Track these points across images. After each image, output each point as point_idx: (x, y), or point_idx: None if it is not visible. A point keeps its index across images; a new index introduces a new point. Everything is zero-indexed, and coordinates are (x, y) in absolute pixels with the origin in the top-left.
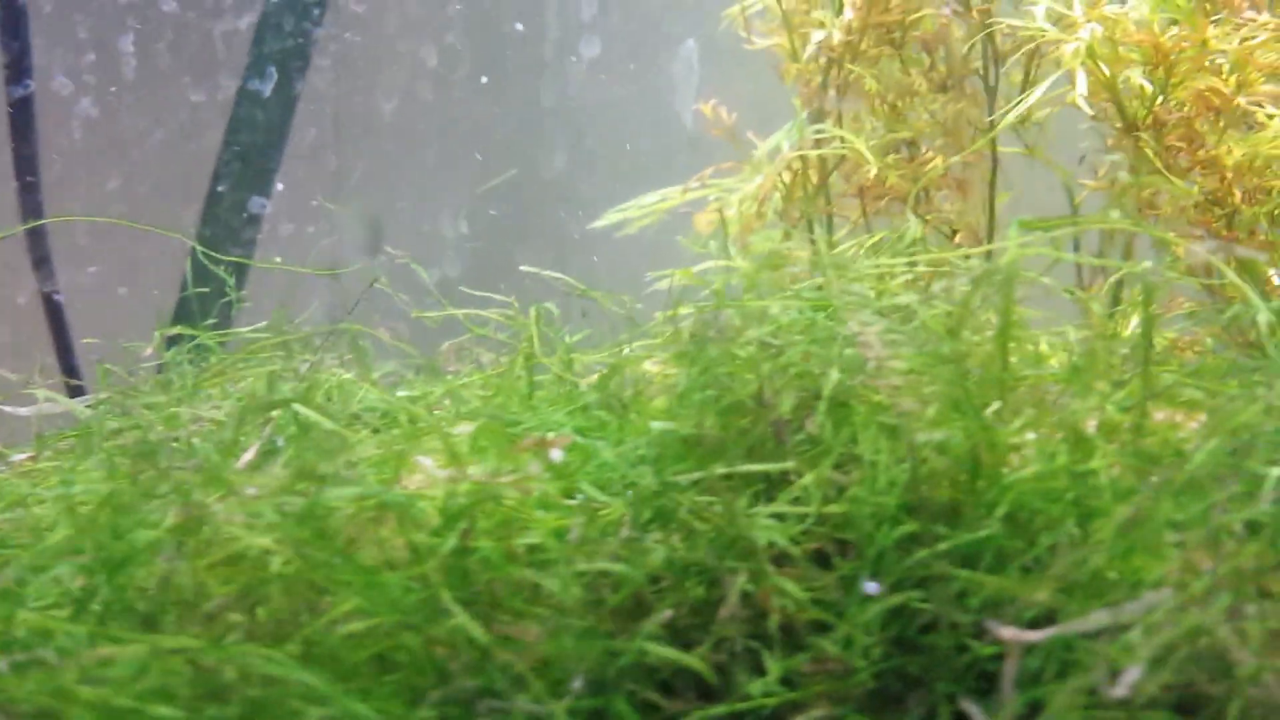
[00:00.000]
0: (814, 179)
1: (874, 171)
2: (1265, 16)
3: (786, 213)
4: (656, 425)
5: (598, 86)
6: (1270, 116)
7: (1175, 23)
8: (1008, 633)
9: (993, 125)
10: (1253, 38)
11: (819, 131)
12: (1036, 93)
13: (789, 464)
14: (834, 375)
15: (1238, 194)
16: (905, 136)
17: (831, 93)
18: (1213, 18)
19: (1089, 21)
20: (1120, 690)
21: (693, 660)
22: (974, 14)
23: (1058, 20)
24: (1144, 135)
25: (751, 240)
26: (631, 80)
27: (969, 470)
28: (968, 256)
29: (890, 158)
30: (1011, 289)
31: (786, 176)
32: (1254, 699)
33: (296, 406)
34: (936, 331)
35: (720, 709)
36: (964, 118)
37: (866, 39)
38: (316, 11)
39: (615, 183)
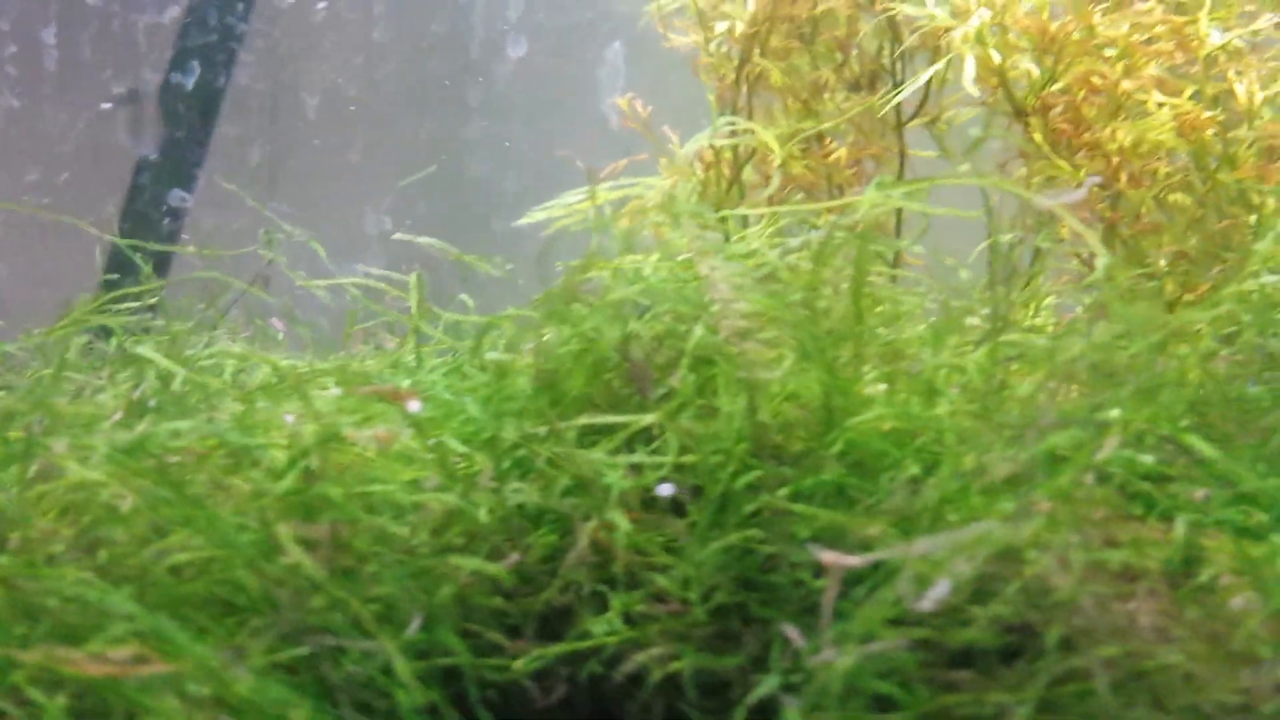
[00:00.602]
0: (727, 173)
1: (778, 163)
2: (1152, 4)
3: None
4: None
5: (524, 86)
6: (1160, 104)
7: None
8: (827, 557)
9: (900, 120)
10: (1141, 25)
11: (730, 125)
12: (921, 79)
13: (648, 416)
14: (698, 331)
15: (1124, 177)
16: (812, 130)
17: (744, 88)
18: (1101, 6)
19: (979, 8)
20: (926, 604)
21: (496, 569)
22: (876, 7)
23: (953, 9)
24: (1032, 120)
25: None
26: (558, 80)
27: (821, 418)
28: (829, 210)
29: (798, 151)
30: (866, 245)
31: (701, 171)
32: (1075, 627)
33: (158, 359)
34: (790, 282)
35: (561, 647)
36: (873, 113)
37: (775, 33)
38: (241, 6)
39: (541, 182)
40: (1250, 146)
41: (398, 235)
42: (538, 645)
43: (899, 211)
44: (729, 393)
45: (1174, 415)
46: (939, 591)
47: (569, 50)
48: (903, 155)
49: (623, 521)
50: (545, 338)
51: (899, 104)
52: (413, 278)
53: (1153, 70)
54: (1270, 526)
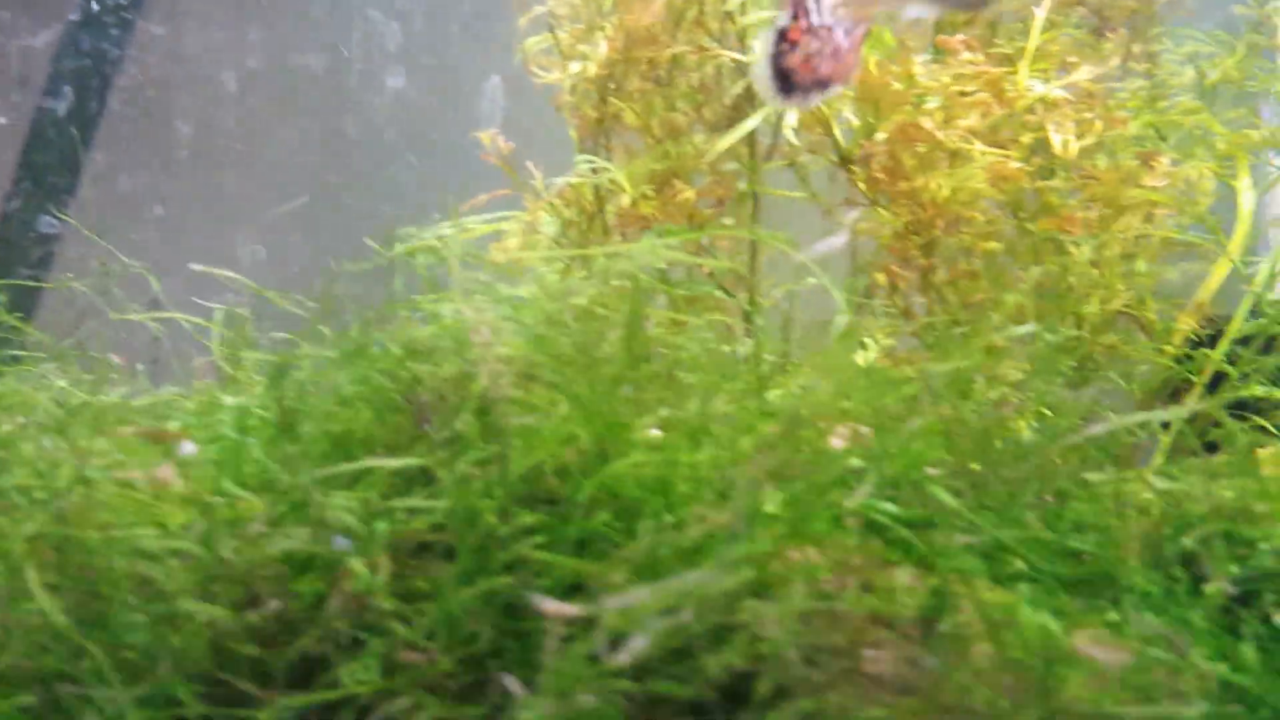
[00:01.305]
0: (585, 208)
1: (626, 202)
2: (975, 56)
3: (561, 241)
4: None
5: (403, 118)
6: (981, 153)
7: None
8: (547, 606)
9: (754, 163)
10: (960, 76)
11: (589, 162)
12: (750, 122)
13: (415, 460)
14: (486, 374)
15: (940, 224)
16: (664, 170)
17: (604, 127)
18: (924, 56)
19: None
20: (622, 657)
21: (253, 616)
22: (716, 50)
23: None
24: (855, 168)
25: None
26: (436, 113)
27: (595, 464)
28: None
29: (652, 191)
30: (640, 291)
31: (563, 206)
32: (791, 677)
33: None
34: (565, 324)
35: (309, 697)
36: (729, 156)
37: (633, 74)
38: (116, 32)
39: (419, 214)
40: (1068, 196)
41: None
42: (288, 695)
43: (753, 253)
44: (496, 437)
45: (926, 462)
46: (634, 645)
47: (448, 83)
48: (755, 196)
49: (380, 568)
50: (337, 379)
51: (754, 146)
52: (218, 314)
53: (972, 120)
54: (1021, 575)
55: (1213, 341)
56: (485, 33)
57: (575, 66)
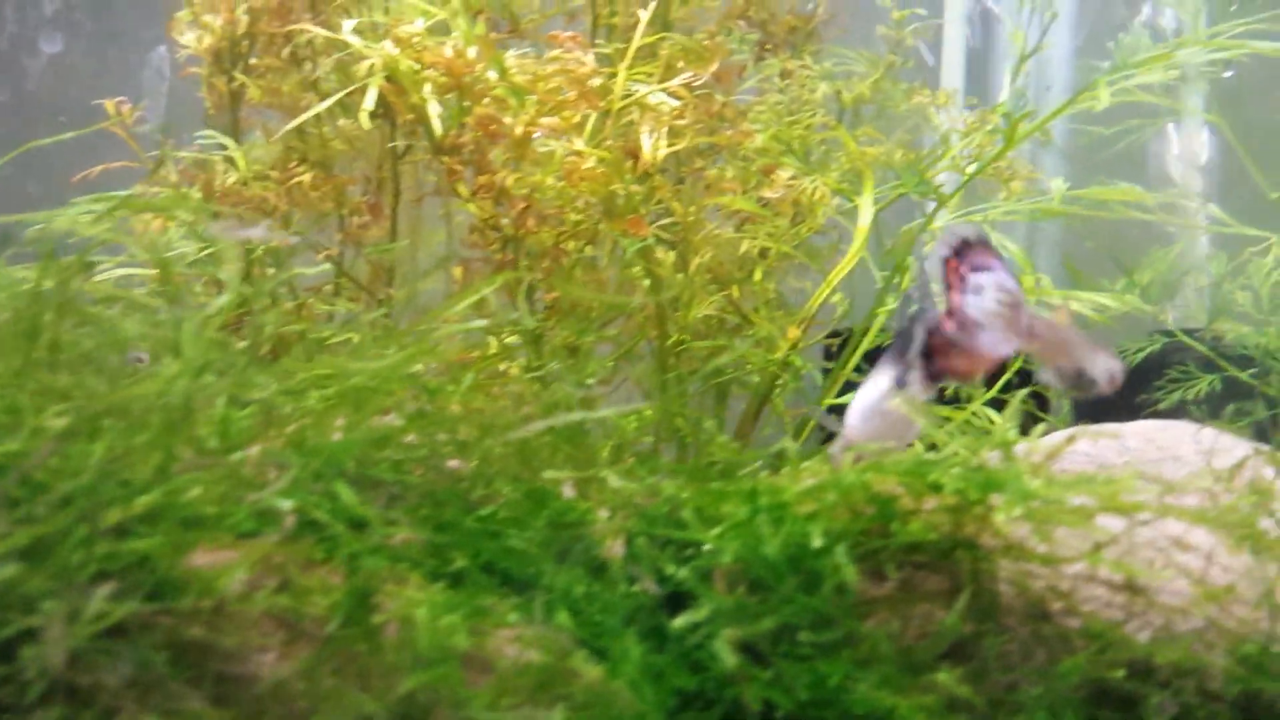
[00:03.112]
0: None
1: (232, 180)
2: (574, 55)
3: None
4: None
5: (58, 85)
6: (579, 151)
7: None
8: None
9: (396, 152)
10: (542, 75)
11: (210, 138)
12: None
13: None
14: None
15: (531, 220)
16: (297, 152)
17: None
18: (523, 51)
19: (388, 41)
20: None
21: None
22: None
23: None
24: (447, 158)
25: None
26: (96, 81)
27: None
28: None
29: (277, 171)
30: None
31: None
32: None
33: None
34: None
35: None
36: (373, 142)
37: (267, 53)
38: None
39: (72, 187)
40: (653, 199)
41: None
42: None
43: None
44: None
45: (338, 463)
46: None
47: (110, 51)
48: (397, 185)
49: None
50: None
51: (391, 133)
52: None
53: (556, 119)
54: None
55: (840, 352)
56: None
57: (190, 36)
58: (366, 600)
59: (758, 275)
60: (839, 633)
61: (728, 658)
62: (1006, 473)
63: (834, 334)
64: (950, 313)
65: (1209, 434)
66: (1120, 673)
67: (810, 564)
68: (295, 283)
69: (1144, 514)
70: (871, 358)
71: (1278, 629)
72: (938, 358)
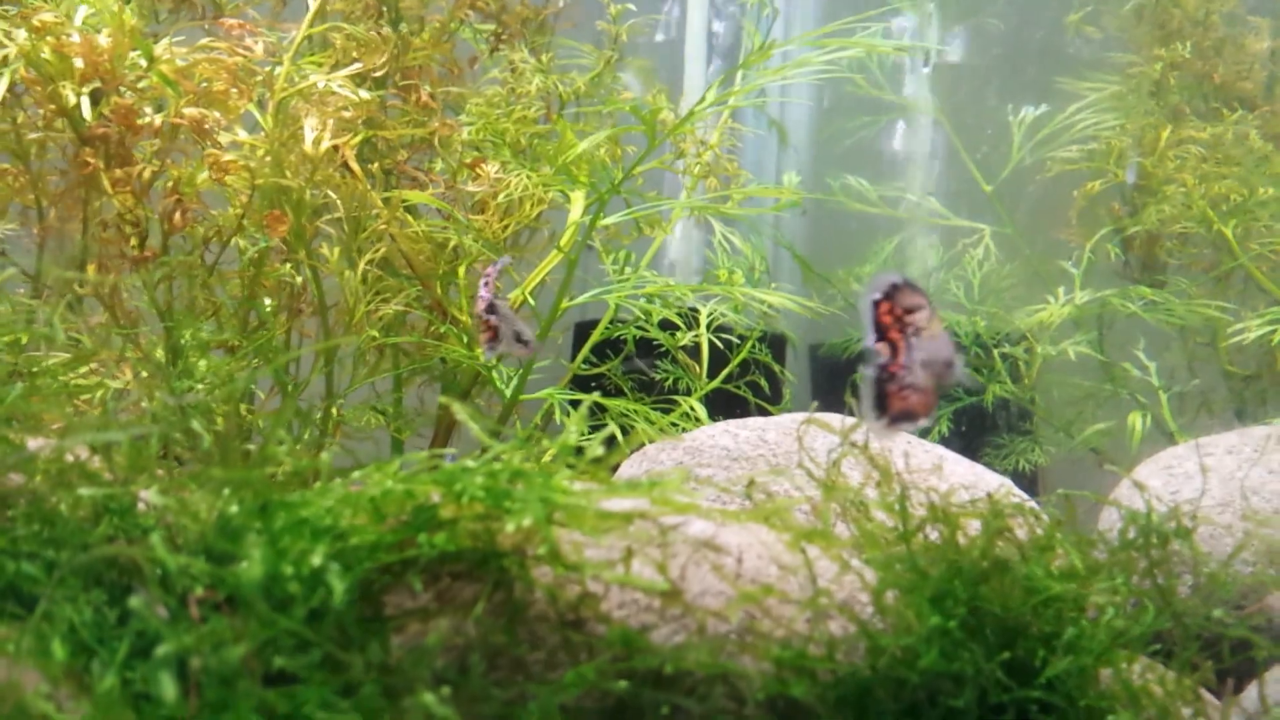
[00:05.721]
0: None
1: None
2: (254, 43)
3: None
4: None
5: None
6: (239, 142)
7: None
8: None
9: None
10: (195, 60)
11: None
12: None
13: None
14: None
15: (178, 215)
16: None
17: None
18: (177, 38)
19: (25, 28)
20: None
21: None
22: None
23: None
24: (87, 150)
25: None
26: None
27: None
28: None
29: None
30: None
31: None
32: None
33: None
34: None
35: None
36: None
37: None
38: None
39: None
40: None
41: None
42: None
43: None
44: None
45: None
46: None
47: None
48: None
49: None
50: None
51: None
52: None
53: (197, 110)
54: None
55: (576, 345)
56: None
57: None
58: None
59: (461, 271)
60: (316, 656)
61: (168, 689)
62: (529, 480)
63: (579, 327)
64: (895, 356)
65: (850, 423)
66: (623, 684)
67: (288, 587)
68: None
69: (683, 516)
70: (599, 351)
71: (819, 630)
72: (893, 402)
